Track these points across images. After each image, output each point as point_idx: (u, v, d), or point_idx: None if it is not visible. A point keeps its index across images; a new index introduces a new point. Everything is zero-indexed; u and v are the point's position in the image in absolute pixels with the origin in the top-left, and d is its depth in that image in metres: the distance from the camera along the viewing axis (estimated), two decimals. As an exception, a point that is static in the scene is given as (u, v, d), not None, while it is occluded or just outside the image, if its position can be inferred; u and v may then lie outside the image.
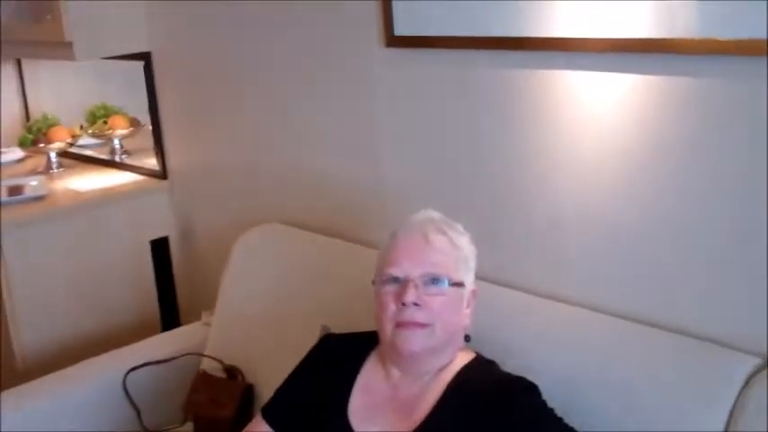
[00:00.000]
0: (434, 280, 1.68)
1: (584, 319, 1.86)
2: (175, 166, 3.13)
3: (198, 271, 3.14)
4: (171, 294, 3.19)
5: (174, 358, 2.48)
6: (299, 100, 2.57)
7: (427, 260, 1.69)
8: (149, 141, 3.27)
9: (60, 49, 2.96)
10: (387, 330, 1.69)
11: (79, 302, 3.02)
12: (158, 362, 2.46)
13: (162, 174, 3.17)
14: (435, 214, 1.80)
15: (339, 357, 1.79)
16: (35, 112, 3.86)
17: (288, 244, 2.49)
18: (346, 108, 2.43)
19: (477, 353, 1.76)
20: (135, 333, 2.96)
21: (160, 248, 3.15)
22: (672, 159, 1.76)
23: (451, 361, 1.72)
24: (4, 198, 3.05)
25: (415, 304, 1.66)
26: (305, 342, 1.95)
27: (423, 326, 1.66)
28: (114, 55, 3.03)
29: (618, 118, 1.81)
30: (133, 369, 2.42)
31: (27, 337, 2.91)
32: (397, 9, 2.16)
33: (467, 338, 1.77)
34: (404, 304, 1.66)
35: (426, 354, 1.68)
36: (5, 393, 2.39)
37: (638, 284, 1.86)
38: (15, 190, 3.10)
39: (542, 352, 1.81)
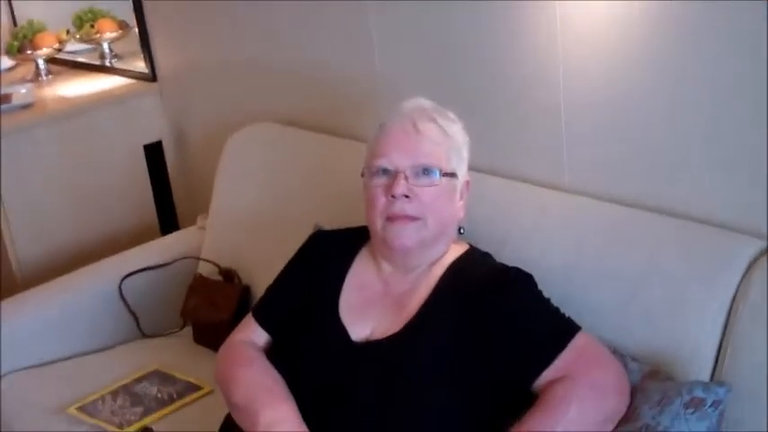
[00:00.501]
0: (425, 171, 1.61)
1: (581, 206, 1.80)
2: (165, 68, 3.04)
3: (193, 174, 3.07)
4: (168, 199, 3.13)
5: (169, 263, 2.44)
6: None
7: (417, 150, 1.62)
8: (137, 44, 3.17)
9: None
10: (377, 225, 1.63)
11: (75, 210, 2.98)
12: (153, 267, 2.43)
13: (151, 76, 3.08)
14: (426, 102, 1.72)
15: (329, 254, 1.74)
16: (21, 18, 3.75)
17: (280, 142, 2.43)
18: (338, 2, 2.32)
19: (470, 245, 1.71)
20: (133, 239, 2.92)
21: (154, 153, 3.08)
22: (669, 39, 1.67)
23: (444, 254, 1.66)
24: (-9, 108, 2.98)
25: (406, 196, 1.60)
26: (300, 241, 1.90)
27: (413, 219, 1.61)
28: (94, -48, 2.92)
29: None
30: (128, 275, 2.39)
31: (24, 248, 2.89)
32: None
33: (460, 231, 1.71)
34: (393, 197, 1.60)
35: (418, 247, 1.63)
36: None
37: (635, 169, 1.79)
38: (3, 98, 3.03)
39: (539, 242, 1.76)
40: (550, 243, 1.74)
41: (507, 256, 1.70)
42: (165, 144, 3.08)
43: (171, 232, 3.02)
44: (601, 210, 1.78)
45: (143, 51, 3.07)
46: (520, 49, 1.92)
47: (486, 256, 1.68)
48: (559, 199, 1.84)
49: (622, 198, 1.78)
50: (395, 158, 1.62)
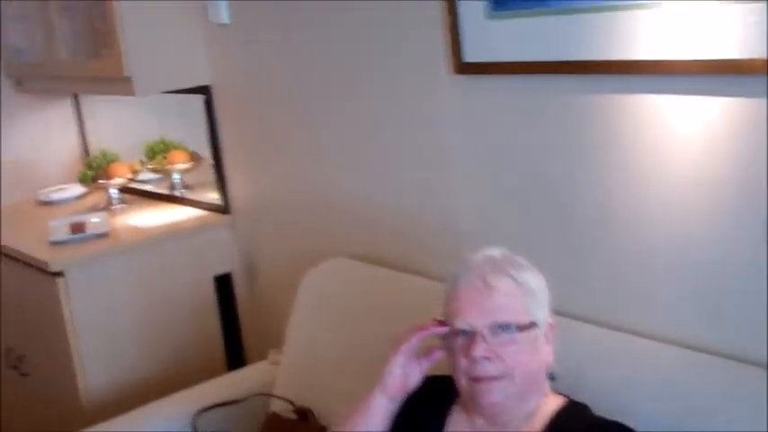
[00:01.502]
0: (503, 328, 1.58)
1: (679, 358, 1.75)
2: (238, 201, 3.08)
3: (263, 307, 3.07)
4: (235, 332, 3.13)
5: (243, 399, 2.41)
6: (365, 131, 2.50)
7: (491, 308, 1.59)
8: (209, 175, 3.24)
9: (119, 84, 2.94)
10: (462, 383, 1.61)
11: (144, 340, 2.98)
12: (227, 403, 2.40)
13: (224, 208, 3.12)
14: (496, 251, 1.69)
15: (429, 400, 1.70)
16: (93, 148, 3.85)
17: (357, 279, 2.42)
18: (414, 139, 2.35)
19: (567, 396, 1.66)
20: (199, 371, 2.90)
21: (224, 285, 3.10)
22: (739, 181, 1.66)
23: (539, 405, 1.62)
24: (68, 236, 3.02)
25: (486, 357, 1.57)
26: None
27: (498, 378, 1.58)
28: (174, 89, 3.00)
29: (708, 144, 1.71)
30: (202, 411, 2.36)
31: (93, 377, 2.88)
32: (467, 35, 2.08)
33: (551, 377, 1.67)
34: (474, 359, 1.58)
35: (508, 402, 1.59)
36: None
37: (740, 321, 1.73)
38: (77, 227, 3.07)
39: (635, 394, 1.70)
40: (648, 396, 1.69)
41: (603, 407, 1.65)
42: (235, 276, 3.10)
43: (237, 366, 3.01)
44: (702, 362, 1.72)
45: (217, 183, 3.12)
46: (604, 195, 1.92)
47: (585, 408, 1.64)
48: (655, 349, 1.79)
49: (725, 350, 1.73)
50: (469, 318, 1.59)
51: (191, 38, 2.97)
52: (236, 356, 3.12)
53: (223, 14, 2.86)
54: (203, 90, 3.05)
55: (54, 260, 2.84)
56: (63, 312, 2.82)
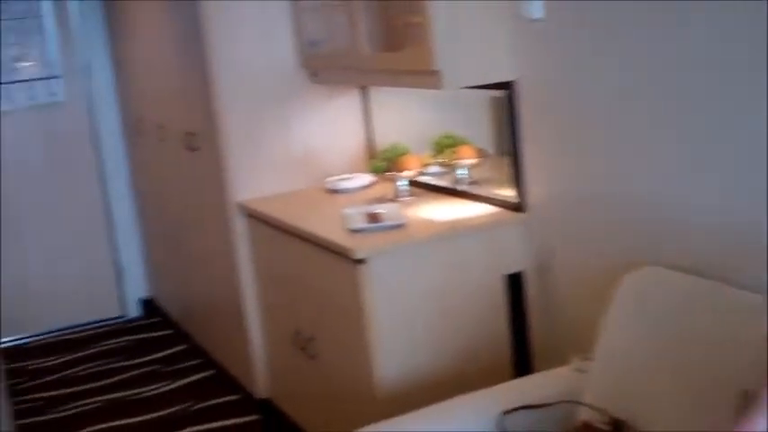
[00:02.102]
0: None
1: None
2: (534, 199, 3.01)
3: (556, 310, 2.99)
4: (524, 333, 3.07)
5: (552, 404, 2.35)
6: (687, 132, 2.36)
7: None
8: (494, 171, 3.20)
9: (425, 77, 2.94)
10: None
11: (434, 334, 2.97)
12: (535, 406, 2.34)
13: (518, 206, 3.06)
14: None
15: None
16: (378, 140, 3.91)
17: (679, 291, 2.27)
18: (746, 141, 2.18)
19: None
20: (485, 371, 2.89)
21: (514, 284, 3.05)
22: None
23: None
24: (366, 225, 3.07)
25: None
26: (708, 404, 1.74)
27: None
28: (479, 84, 2.97)
29: None
30: (509, 411, 2.32)
31: (386, 367, 2.90)
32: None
33: None
34: None
35: None
36: (373, 426, 2.38)
37: None
38: (374, 218, 3.12)
39: None
40: None
41: None
42: (526, 276, 3.05)
43: (524, 368, 2.96)
44: None
45: (514, 180, 3.07)
46: None
47: None
48: None
49: None
50: None
51: (498, 32, 2.93)
52: (522, 359, 3.06)
53: (537, 9, 2.80)
54: (503, 85, 3.01)
55: (358, 248, 2.88)
56: (363, 300, 2.86)
